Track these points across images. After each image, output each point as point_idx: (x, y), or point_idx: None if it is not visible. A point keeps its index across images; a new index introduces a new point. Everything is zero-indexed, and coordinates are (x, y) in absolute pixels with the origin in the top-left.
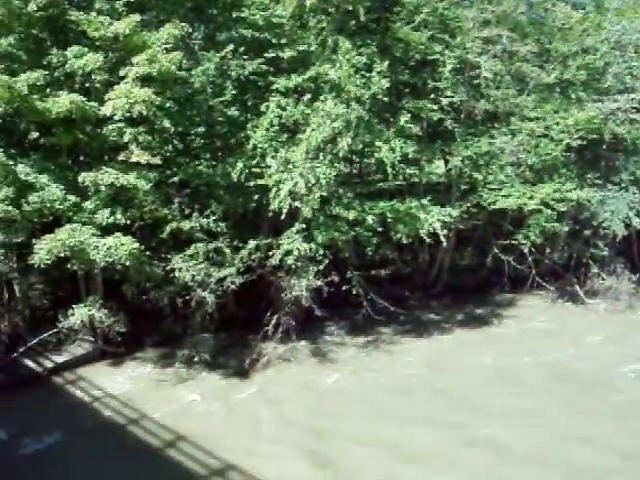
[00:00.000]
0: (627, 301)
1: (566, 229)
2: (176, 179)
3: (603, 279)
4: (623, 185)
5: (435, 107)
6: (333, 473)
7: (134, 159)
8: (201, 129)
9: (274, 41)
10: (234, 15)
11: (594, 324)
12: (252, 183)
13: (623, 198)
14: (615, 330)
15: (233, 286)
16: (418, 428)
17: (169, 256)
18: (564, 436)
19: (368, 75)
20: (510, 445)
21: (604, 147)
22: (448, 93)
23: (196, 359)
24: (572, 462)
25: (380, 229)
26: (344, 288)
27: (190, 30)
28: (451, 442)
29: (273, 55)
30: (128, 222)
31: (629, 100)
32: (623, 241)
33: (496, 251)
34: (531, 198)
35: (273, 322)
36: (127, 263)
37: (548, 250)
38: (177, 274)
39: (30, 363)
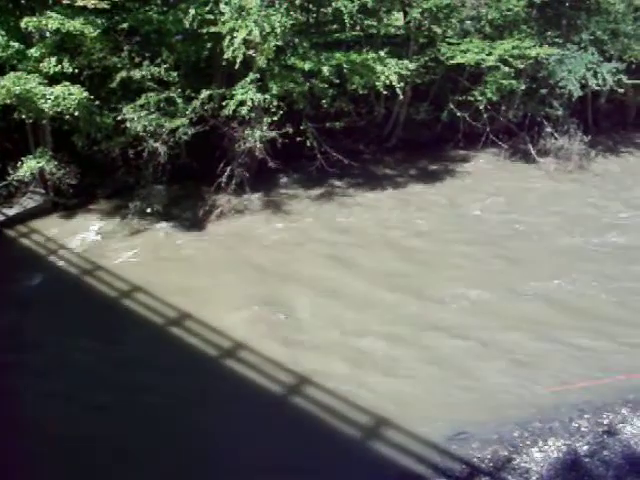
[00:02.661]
0: (577, 161)
1: (523, 87)
2: (125, 25)
3: (556, 139)
4: (582, 45)
5: None
6: (289, 313)
7: (80, 3)
8: None
9: None
10: None
11: (542, 181)
12: (205, 30)
13: (581, 58)
14: (561, 188)
15: (185, 137)
16: (361, 274)
17: (120, 106)
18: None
19: None
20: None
21: (567, 5)
22: None
23: (148, 210)
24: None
25: (336, 81)
26: (298, 140)
27: None
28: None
29: None
30: (76, 71)
31: None
32: (578, 102)
33: (452, 107)
34: (490, 54)
35: (226, 174)
36: (76, 113)
37: (504, 108)
38: (128, 124)
39: None
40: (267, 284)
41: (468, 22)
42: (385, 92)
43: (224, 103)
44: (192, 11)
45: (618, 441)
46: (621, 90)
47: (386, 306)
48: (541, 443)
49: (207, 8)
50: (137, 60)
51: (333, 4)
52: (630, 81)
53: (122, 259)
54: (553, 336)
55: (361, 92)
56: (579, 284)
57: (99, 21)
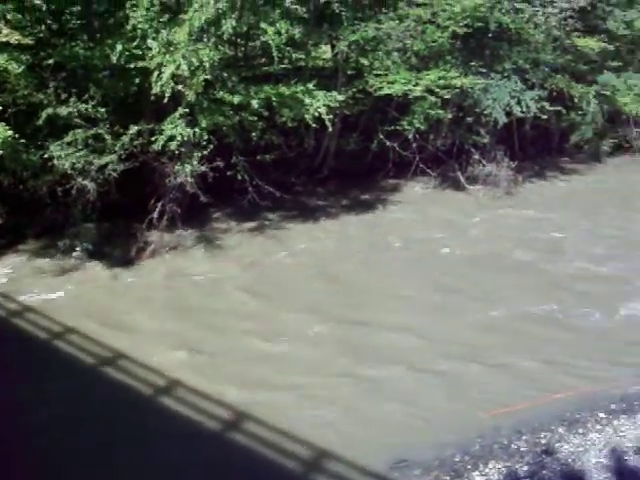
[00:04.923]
0: (505, 187)
1: (450, 116)
2: (51, 61)
3: (483, 165)
4: (506, 74)
5: None
6: (208, 357)
7: (3, 39)
8: (77, 8)
9: None
10: None
11: (472, 208)
12: (133, 65)
13: (505, 87)
14: (489, 215)
15: (115, 173)
16: (292, 307)
17: (46, 143)
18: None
19: None
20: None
21: (489, 36)
22: None
23: (78, 249)
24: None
25: (265, 113)
26: (229, 174)
27: None
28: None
29: None
30: (0, 108)
31: None
32: (504, 129)
33: (381, 137)
34: (416, 85)
35: (158, 209)
36: (1, 152)
37: (432, 136)
38: (55, 162)
39: None
40: (197, 320)
41: (395, 54)
42: (314, 124)
43: (153, 138)
44: (119, 46)
45: (556, 460)
46: (544, 117)
47: (323, 336)
48: (482, 467)
49: (134, 43)
50: (64, 96)
51: (261, 38)
52: (552, 108)
53: (51, 298)
54: (490, 359)
55: (291, 124)
56: (515, 307)
57: (24, 57)
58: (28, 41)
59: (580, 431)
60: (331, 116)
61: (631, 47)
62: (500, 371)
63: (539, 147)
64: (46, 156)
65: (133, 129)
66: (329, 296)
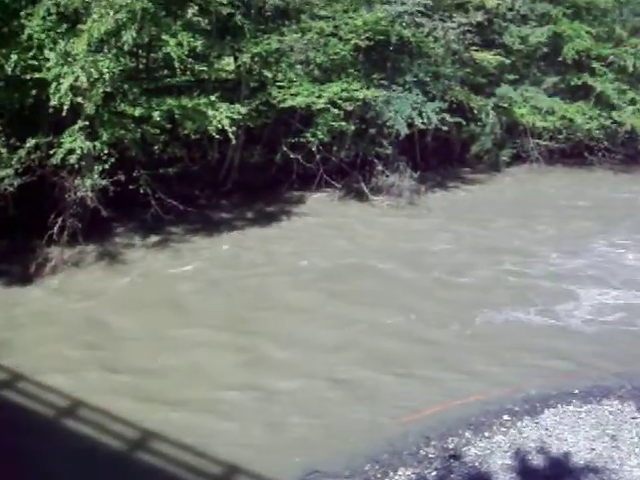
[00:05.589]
0: (408, 197)
1: (353, 128)
2: None
3: (387, 176)
4: (407, 86)
5: (225, 1)
6: (126, 369)
7: None
8: None
9: None
10: None
11: (375, 219)
12: (29, 77)
13: (407, 99)
14: (393, 225)
15: (11, 188)
16: (200, 323)
17: None
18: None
19: None
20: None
21: (390, 49)
22: None
23: None
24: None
25: (168, 126)
26: (131, 187)
27: None
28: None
29: None
30: None
31: (415, 3)
32: (406, 140)
33: (285, 149)
34: (319, 97)
35: (58, 225)
36: None
37: (335, 148)
38: None
39: None
40: (100, 338)
41: (298, 66)
42: (218, 136)
43: (52, 151)
44: (14, 57)
45: (463, 464)
46: (445, 128)
47: (235, 350)
48: (392, 474)
49: (31, 53)
50: None
51: (163, 49)
52: (453, 119)
53: None
54: (397, 368)
55: (194, 137)
56: (421, 318)
57: None
58: None
59: (486, 434)
60: (234, 128)
61: (526, 61)
62: (401, 378)
63: (441, 157)
64: None
65: (30, 142)
66: (227, 308)
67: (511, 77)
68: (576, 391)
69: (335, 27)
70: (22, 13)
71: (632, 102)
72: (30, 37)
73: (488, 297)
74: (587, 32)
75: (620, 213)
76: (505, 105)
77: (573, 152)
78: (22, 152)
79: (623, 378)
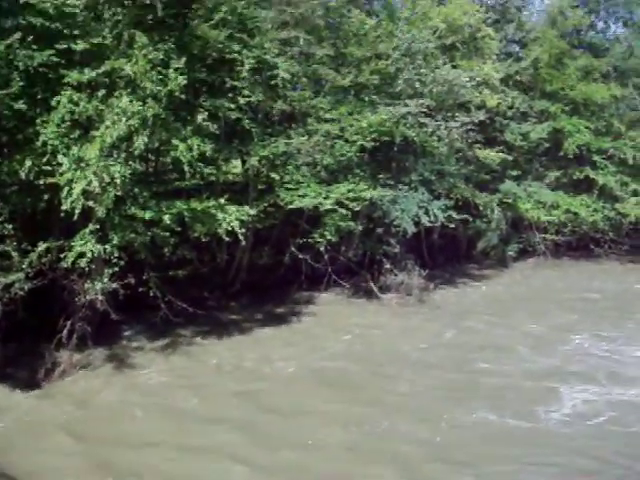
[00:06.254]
0: (417, 295)
1: (360, 228)
2: None
3: (395, 275)
4: (413, 185)
5: (233, 106)
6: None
7: None
8: None
9: (66, 32)
10: (22, 1)
11: (385, 317)
12: (42, 181)
13: (413, 198)
14: (403, 322)
15: (22, 292)
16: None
17: None
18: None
19: (165, 72)
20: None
21: (395, 149)
22: (246, 93)
23: None
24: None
25: (178, 229)
26: (141, 290)
27: None
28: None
29: (65, 47)
30: None
31: (418, 105)
32: (413, 238)
33: (293, 250)
34: (327, 198)
35: (67, 328)
36: None
37: (343, 248)
38: None
39: None
40: (113, 450)
41: (304, 168)
42: (227, 238)
43: (62, 255)
44: (28, 162)
45: None
46: (452, 225)
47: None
48: None
49: (44, 159)
50: None
51: (172, 153)
52: (459, 216)
53: None
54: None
55: (203, 239)
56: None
57: None
58: None
59: None
60: (244, 230)
61: (528, 157)
62: None
63: (448, 254)
64: None
65: (42, 246)
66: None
67: (514, 173)
68: None
69: (341, 129)
70: (37, 121)
71: (635, 193)
72: (44, 143)
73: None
74: (586, 127)
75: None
76: (509, 201)
77: (579, 245)
78: (33, 256)
79: None
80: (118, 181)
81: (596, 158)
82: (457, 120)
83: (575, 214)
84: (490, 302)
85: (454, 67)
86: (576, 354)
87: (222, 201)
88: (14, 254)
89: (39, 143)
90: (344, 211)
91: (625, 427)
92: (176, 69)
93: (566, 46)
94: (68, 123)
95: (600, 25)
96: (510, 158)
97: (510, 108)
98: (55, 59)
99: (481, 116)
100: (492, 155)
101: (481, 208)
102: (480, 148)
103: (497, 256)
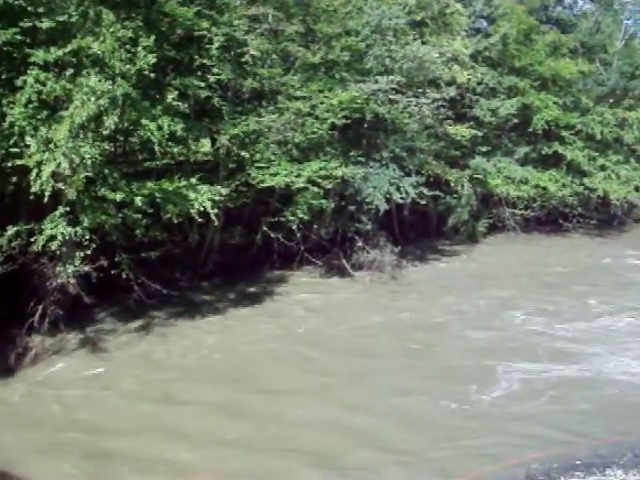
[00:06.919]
0: (390, 272)
1: (332, 205)
2: None
3: (368, 252)
4: (384, 162)
5: (202, 84)
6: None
7: None
8: None
9: (30, 9)
10: None
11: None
12: (10, 164)
13: (384, 174)
14: (378, 300)
15: None
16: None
17: None
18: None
19: (133, 50)
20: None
21: (366, 126)
22: (215, 70)
23: None
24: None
25: (149, 210)
26: (113, 272)
27: None
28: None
29: (30, 25)
30: None
31: (389, 81)
32: (384, 215)
33: (265, 229)
34: (298, 176)
35: (38, 313)
36: None
37: (315, 226)
38: None
39: None
40: (93, 437)
41: (275, 146)
42: (199, 219)
43: (32, 239)
44: None
45: None
46: (423, 202)
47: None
48: None
49: (12, 141)
50: None
51: (141, 133)
52: (430, 193)
53: None
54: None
55: (176, 220)
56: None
57: None
58: None
59: None
60: (216, 210)
61: (497, 132)
62: None
63: (418, 231)
64: None
65: (11, 230)
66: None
67: (484, 149)
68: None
69: (312, 107)
70: (3, 101)
71: (602, 168)
72: (12, 125)
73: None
74: (554, 102)
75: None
76: (479, 176)
77: (548, 219)
78: (3, 240)
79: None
80: (88, 162)
81: (564, 133)
82: (428, 97)
83: (544, 189)
84: (460, 278)
85: (424, 43)
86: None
87: (193, 181)
88: None
89: (6, 124)
90: (316, 189)
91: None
92: (145, 47)
93: (534, 22)
94: (35, 104)
95: (568, 1)
96: (480, 134)
97: (479, 84)
98: (20, 37)
99: (452, 92)
100: (462, 131)
101: (452, 184)
102: (450, 124)
103: (467, 232)
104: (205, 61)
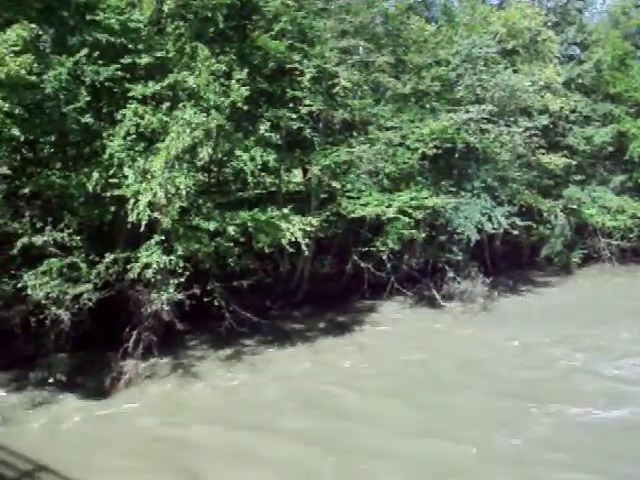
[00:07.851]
0: (481, 303)
1: (423, 235)
2: (26, 190)
3: (459, 283)
4: (475, 192)
5: (294, 116)
6: None
7: None
8: (53, 137)
9: (130, 47)
10: (88, 18)
11: (450, 326)
12: (109, 194)
13: (475, 204)
14: (468, 331)
15: (90, 303)
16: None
17: (20, 273)
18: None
19: (227, 83)
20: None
21: (457, 156)
22: (307, 102)
23: (51, 380)
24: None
25: (241, 239)
26: (205, 300)
27: (40, 32)
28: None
29: (129, 61)
30: None
31: (480, 111)
32: (475, 245)
33: (355, 258)
34: (389, 206)
35: (133, 338)
36: None
37: (406, 256)
38: (29, 292)
39: None
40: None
41: (366, 176)
42: (290, 249)
43: (129, 266)
44: (95, 175)
45: None
46: (515, 232)
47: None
48: None
49: (111, 172)
50: (39, 225)
51: (233, 164)
52: (522, 223)
53: (21, 435)
54: None
55: (267, 250)
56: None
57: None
58: (4, 170)
59: None
60: (307, 240)
61: (592, 161)
62: None
63: (510, 261)
64: (19, 286)
65: (109, 257)
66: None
67: (578, 178)
68: None
69: (402, 137)
70: (104, 134)
71: None
72: (111, 156)
73: None
74: None
75: None
76: (573, 206)
77: None
78: (101, 267)
79: None
80: (183, 192)
81: None
82: (519, 125)
83: None
84: (548, 312)
85: (515, 72)
86: None
87: (285, 211)
88: (82, 265)
89: (105, 156)
90: (406, 219)
91: None
92: (238, 80)
93: (630, 47)
94: (133, 136)
95: None
96: (573, 163)
97: (573, 112)
98: (120, 73)
99: (544, 121)
100: (555, 160)
101: (544, 214)
102: (543, 153)
103: (561, 262)
104: (297, 93)
